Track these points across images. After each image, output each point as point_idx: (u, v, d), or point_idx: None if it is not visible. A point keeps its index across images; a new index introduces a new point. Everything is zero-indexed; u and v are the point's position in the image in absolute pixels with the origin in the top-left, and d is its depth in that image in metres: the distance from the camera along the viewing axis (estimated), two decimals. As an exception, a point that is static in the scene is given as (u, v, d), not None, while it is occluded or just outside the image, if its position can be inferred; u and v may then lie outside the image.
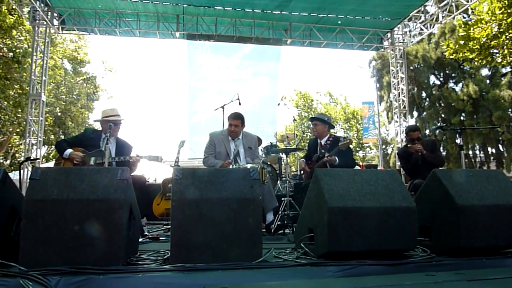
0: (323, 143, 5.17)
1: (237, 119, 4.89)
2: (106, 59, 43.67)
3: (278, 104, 8.38)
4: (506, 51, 8.52)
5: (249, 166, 4.25)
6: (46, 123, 15.99)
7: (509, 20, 7.97)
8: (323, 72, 64.23)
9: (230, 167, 4.52)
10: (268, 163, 6.63)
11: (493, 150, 20.67)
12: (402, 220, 2.68)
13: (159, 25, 10.96)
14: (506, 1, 7.89)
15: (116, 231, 2.36)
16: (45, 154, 19.43)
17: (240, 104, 6.28)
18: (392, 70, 12.75)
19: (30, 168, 9.36)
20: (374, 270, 2.36)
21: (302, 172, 5.69)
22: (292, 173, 8.54)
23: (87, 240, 2.32)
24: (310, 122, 5.23)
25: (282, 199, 4.99)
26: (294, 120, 7.69)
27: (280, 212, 4.82)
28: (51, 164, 12.61)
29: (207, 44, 11.65)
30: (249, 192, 2.63)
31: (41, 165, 10.80)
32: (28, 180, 2.46)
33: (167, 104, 65.75)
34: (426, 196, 3.06)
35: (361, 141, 26.24)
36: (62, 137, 17.90)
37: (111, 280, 2.06)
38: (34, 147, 10.06)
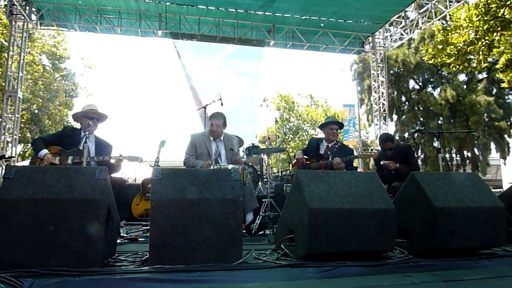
0: (330, 146, 5.11)
1: (218, 119, 4.86)
2: (86, 55, 42.71)
3: (261, 105, 8.38)
4: (481, 57, 8.75)
5: (230, 167, 4.23)
6: (22, 120, 15.57)
7: (485, 27, 8.19)
8: (305, 74, 64.69)
9: (211, 167, 4.49)
10: (250, 164, 6.62)
11: (469, 154, 21.19)
12: (381, 222, 2.71)
13: (141, 23, 10.84)
14: (483, 9, 8.10)
15: (93, 232, 2.31)
16: (21, 152, 18.87)
17: (222, 104, 6.26)
18: (373, 74, 12.95)
19: (4, 167, 9.10)
20: (353, 271, 2.38)
21: (293, 162, 5.57)
22: (274, 174, 8.55)
23: (63, 241, 2.26)
24: (330, 126, 5.16)
25: (263, 200, 4.99)
26: (276, 121, 7.70)
27: (261, 213, 4.81)
28: (26, 162, 12.28)
29: (190, 44, 11.59)
30: (230, 193, 2.62)
31: (16, 164, 10.51)
32: (2, 179, 2.38)
33: (148, 103, 65.07)
34: (405, 198, 3.11)
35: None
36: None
37: (86, 282, 2.01)
38: (9, 144, 9.81)
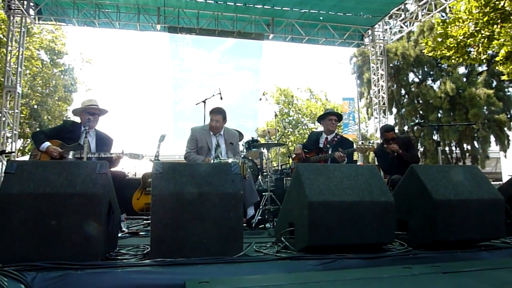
0: (329, 139, 5.15)
1: (218, 114, 4.86)
2: (85, 50, 42.50)
3: (260, 99, 8.38)
4: (481, 49, 8.72)
5: (230, 161, 4.24)
6: (22, 115, 15.52)
7: (485, 19, 8.15)
8: (304, 67, 64.49)
9: (212, 161, 4.50)
10: (250, 158, 6.62)
11: (469, 147, 21.18)
12: (381, 214, 2.72)
13: (139, 17, 10.79)
14: (482, 1, 8.06)
15: (94, 225, 2.32)
16: (21, 147, 18.85)
17: (221, 98, 6.26)
18: (372, 67, 12.92)
19: (5, 162, 9.12)
20: (353, 264, 2.39)
21: (293, 156, 5.60)
22: (273, 168, 8.57)
23: (65, 235, 2.27)
24: (330, 116, 5.21)
25: (263, 193, 5.01)
26: (276, 115, 7.69)
27: (261, 207, 4.83)
28: (26, 157, 12.28)
29: (189, 38, 11.56)
30: (230, 186, 2.63)
31: (17, 159, 10.52)
32: (3, 174, 2.39)
33: (148, 97, 64.92)
34: (404, 191, 3.12)
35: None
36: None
37: (89, 275, 2.03)
38: (9, 140, 9.82)
